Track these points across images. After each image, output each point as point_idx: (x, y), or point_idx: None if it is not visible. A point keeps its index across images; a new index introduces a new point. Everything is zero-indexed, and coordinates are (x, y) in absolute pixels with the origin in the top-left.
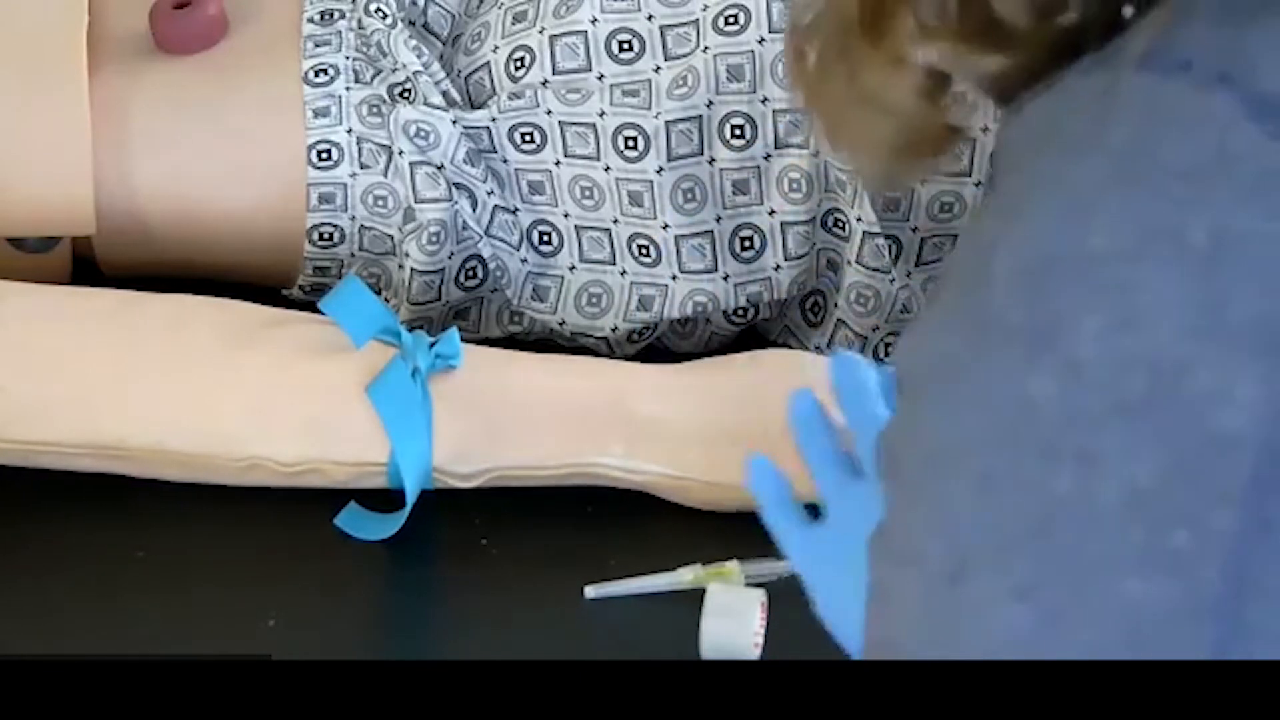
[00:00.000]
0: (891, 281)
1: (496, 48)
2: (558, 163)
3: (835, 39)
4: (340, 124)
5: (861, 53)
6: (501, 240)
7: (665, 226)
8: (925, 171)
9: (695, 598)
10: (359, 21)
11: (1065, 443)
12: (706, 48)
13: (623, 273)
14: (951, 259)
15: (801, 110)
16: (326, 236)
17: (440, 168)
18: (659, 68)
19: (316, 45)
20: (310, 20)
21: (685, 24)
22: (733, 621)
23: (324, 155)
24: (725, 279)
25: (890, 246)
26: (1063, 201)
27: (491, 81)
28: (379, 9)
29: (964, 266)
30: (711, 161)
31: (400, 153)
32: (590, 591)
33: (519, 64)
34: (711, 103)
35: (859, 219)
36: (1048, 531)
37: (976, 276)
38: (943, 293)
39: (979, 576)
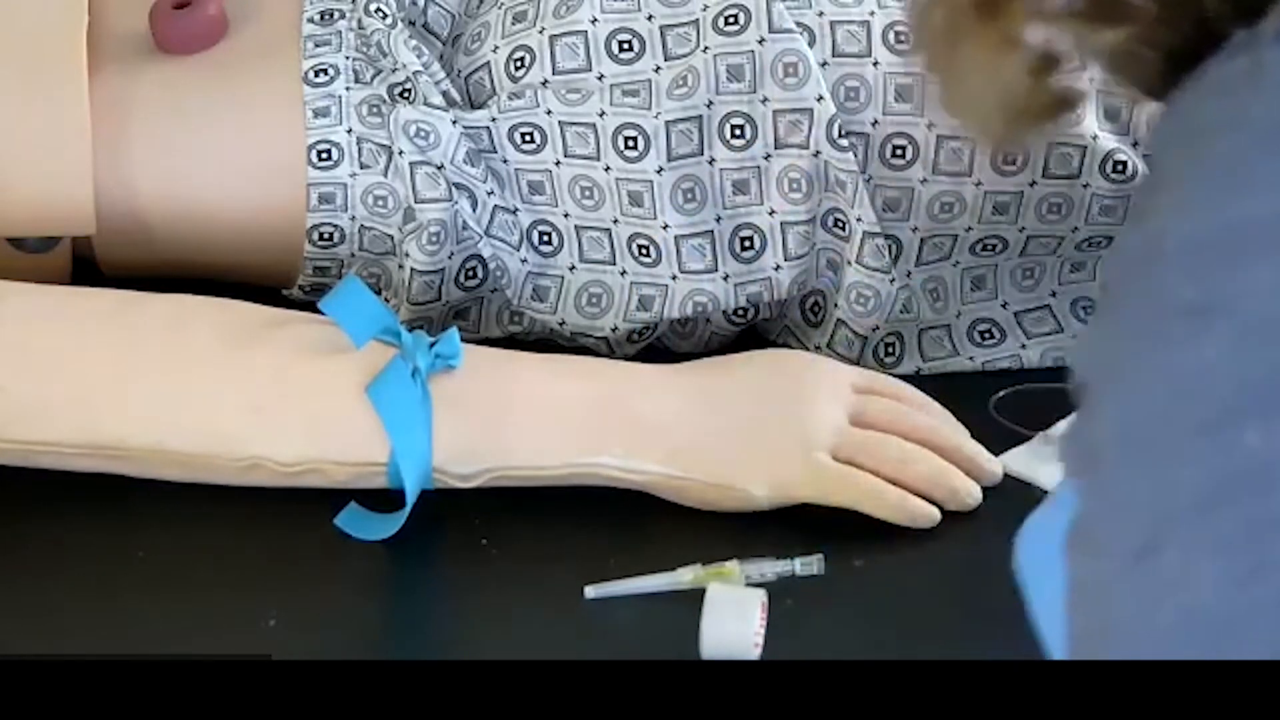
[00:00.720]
0: (891, 281)
1: (496, 48)
2: (558, 163)
3: (951, 12)
4: (340, 124)
5: (973, 30)
6: (501, 240)
7: (665, 226)
8: (1042, 136)
9: (695, 598)
10: (359, 21)
11: (1248, 400)
12: (706, 48)
13: (623, 273)
14: (1111, 264)
15: (921, 73)
16: (326, 236)
17: (440, 168)
18: (659, 68)
19: (316, 45)
20: (310, 20)
21: (685, 24)
22: (733, 621)
23: (324, 155)
24: (725, 279)
25: (890, 246)
26: (1219, 176)
27: (491, 81)
28: (379, 9)
29: (1129, 263)
30: (711, 161)
31: (400, 153)
32: (590, 591)
33: (519, 64)
34: (711, 103)
35: (859, 219)
36: (1237, 491)
37: (1144, 266)
38: (1109, 297)
39: (1173, 546)
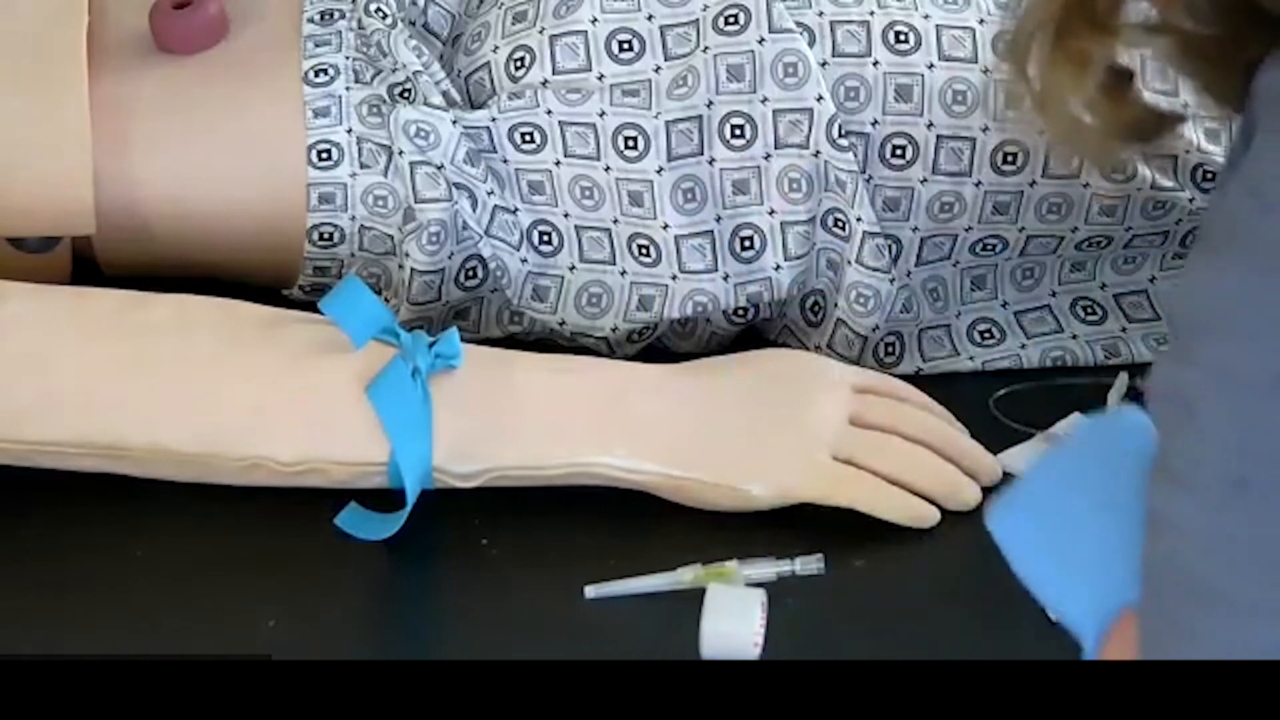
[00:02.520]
0: (891, 281)
1: (496, 48)
2: (558, 163)
3: (1031, 34)
4: (340, 124)
5: (1047, 51)
6: (501, 240)
7: (665, 226)
8: (1142, 150)
9: (695, 598)
10: (359, 21)
11: None
12: (706, 48)
13: (623, 273)
14: (1214, 214)
15: (1013, 87)
16: (326, 236)
17: (440, 168)
18: (659, 68)
19: (316, 45)
20: (310, 20)
21: (685, 24)
22: (733, 621)
23: (324, 155)
24: (725, 279)
25: (890, 246)
26: None
27: (491, 81)
28: (379, 9)
29: (1233, 213)
30: (711, 161)
31: (400, 153)
32: (590, 591)
33: (519, 64)
34: (711, 103)
35: (859, 219)
36: None
37: (1249, 217)
38: (1208, 242)
39: (1269, 477)
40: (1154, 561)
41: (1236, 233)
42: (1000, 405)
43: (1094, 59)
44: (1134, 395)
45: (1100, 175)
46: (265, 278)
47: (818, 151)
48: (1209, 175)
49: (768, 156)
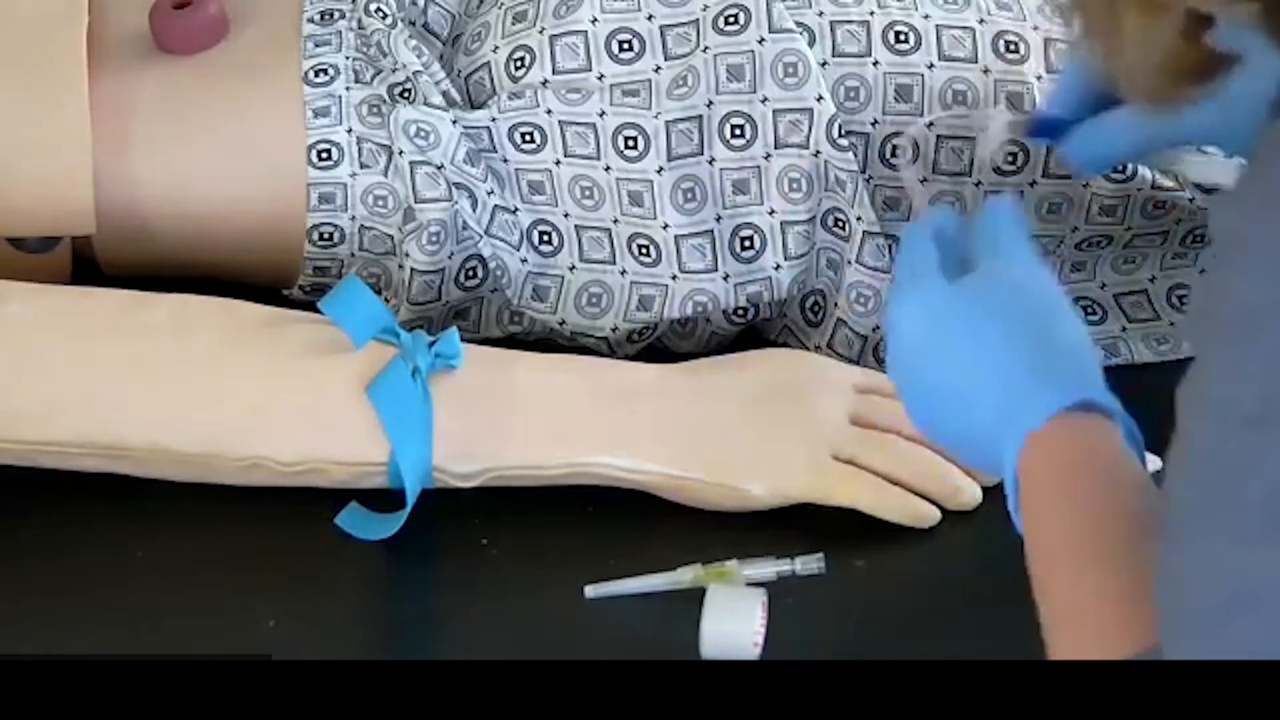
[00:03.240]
0: (892, 281)
1: (496, 48)
2: (558, 162)
3: None
4: (340, 124)
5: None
6: (501, 240)
7: (665, 226)
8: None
9: (695, 598)
10: (359, 21)
11: None
12: (706, 48)
13: (623, 272)
14: (1264, 143)
15: (1076, 36)
16: (326, 236)
17: (440, 167)
18: (659, 68)
19: (316, 45)
20: (310, 20)
21: (685, 24)
22: (733, 621)
23: (324, 155)
24: (725, 279)
25: (890, 246)
26: None
27: (491, 81)
28: (379, 9)
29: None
30: (711, 161)
31: (400, 152)
32: (590, 591)
33: (519, 64)
34: (711, 103)
35: (859, 219)
36: None
37: None
38: (1258, 168)
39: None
40: (1169, 482)
41: (1273, 165)
42: None
43: (1174, 3)
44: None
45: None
46: (265, 278)
47: (818, 151)
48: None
49: (768, 156)
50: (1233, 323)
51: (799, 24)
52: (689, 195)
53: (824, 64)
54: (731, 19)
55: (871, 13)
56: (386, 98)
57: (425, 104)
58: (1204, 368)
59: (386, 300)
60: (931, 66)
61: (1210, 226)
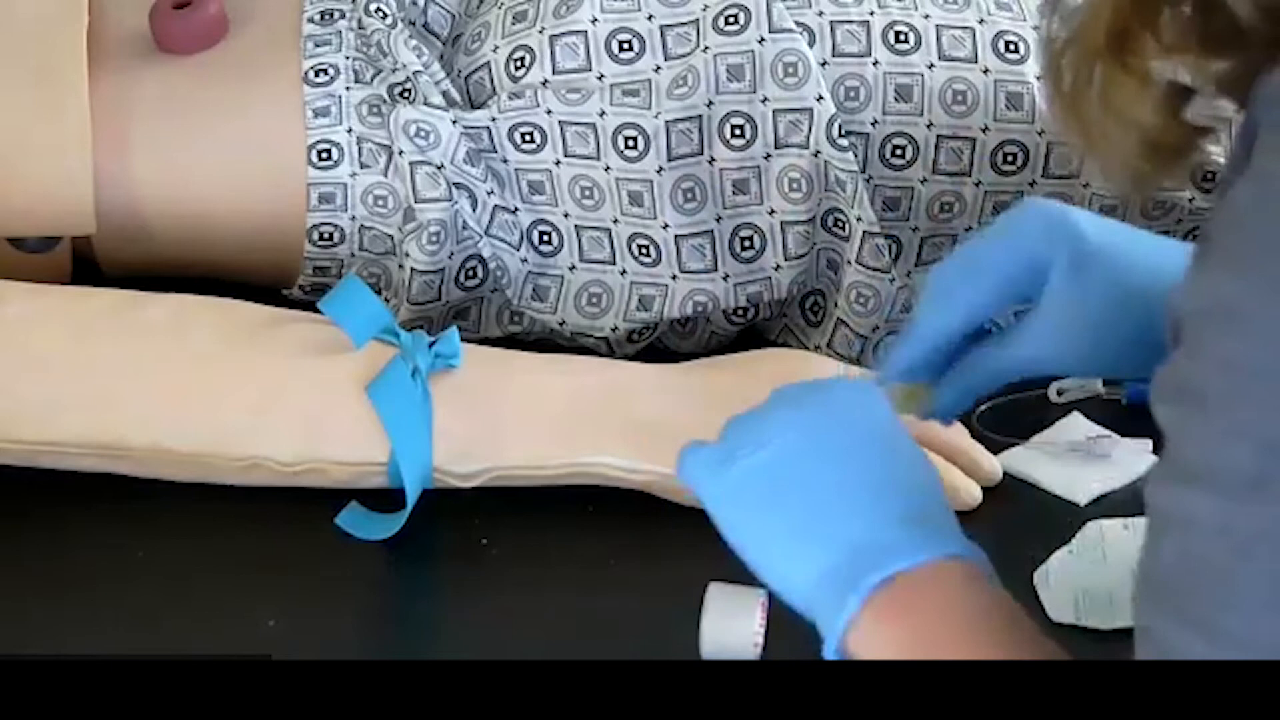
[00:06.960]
0: (891, 281)
1: (496, 48)
2: (558, 162)
3: (1085, 61)
4: (340, 124)
5: (1110, 74)
6: (501, 240)
7: (665, 226)
8: (1176, 175)
9: (695, 598)
10: (359, 21)
11: None
12: (706, 48)
13: (623, 272)
14: (1222, 214)
15: (1059, 125)
16: (326, 236)
17: (440, 167)
18: (659, 68)
19: (317, 45)
20: (310, 20)
21: (685, 24)
22: (733, 621)
23: (324, 155)
24: (725, 279)
25: (890, 246)
26: None
27: (491, 81)
28: (379, 9)
29: (1241, 213)
30: (711, 161)
31: (400, 152)
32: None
33: (519, 64)
34: (711, 103)
35: (859, 219)
36: None
37: (1257, 215)
38: (1217, 244)
39: None
40: (1163, 563)
41: (1244, 227)
42: (983, 419)
43: (1154, 76)
44: (1113, 405)
45: (1144, 214)
46: (265, 278)
47: (818, 151)
48: (1209, 175)
49: (768, 156)
50: (1214, 389)
51: (799, 24)
52: (689, 195)
53: (824, 64)
54: (731, 19)
55: (871, 13)
56: (386, 98)
57: (425, 104)
58: (1187, 441)
59: (386, 300)
60: (931, 66)
61: (1173, 311)
